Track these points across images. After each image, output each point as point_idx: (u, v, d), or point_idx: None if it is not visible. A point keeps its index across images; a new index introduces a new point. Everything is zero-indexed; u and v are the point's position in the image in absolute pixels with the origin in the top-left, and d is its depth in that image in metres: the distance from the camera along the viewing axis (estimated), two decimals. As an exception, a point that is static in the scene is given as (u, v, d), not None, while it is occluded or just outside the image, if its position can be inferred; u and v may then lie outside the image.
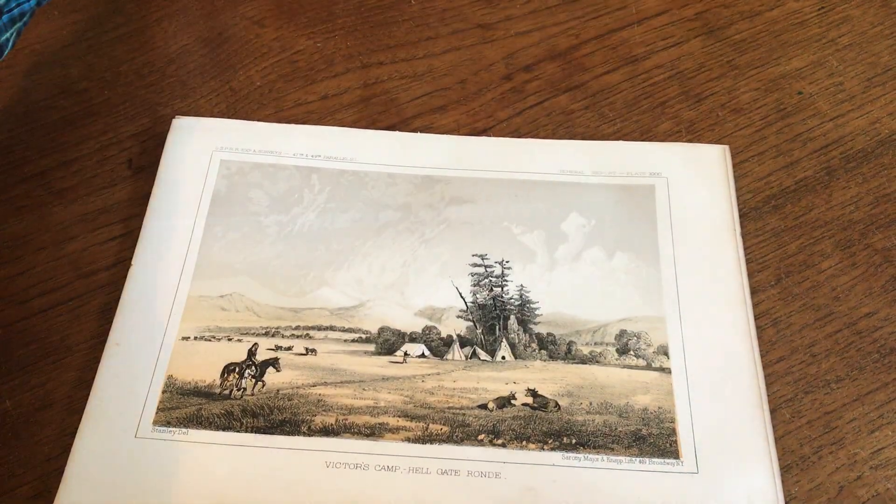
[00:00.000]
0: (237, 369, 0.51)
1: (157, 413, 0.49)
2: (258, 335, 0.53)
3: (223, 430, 0.49)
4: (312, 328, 0.53)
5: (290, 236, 0.56)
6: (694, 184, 0.58)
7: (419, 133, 0.61)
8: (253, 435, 0.48)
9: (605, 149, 0.60)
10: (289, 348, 0.52)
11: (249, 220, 0.57)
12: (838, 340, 0.53)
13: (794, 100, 0.63)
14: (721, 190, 0.58)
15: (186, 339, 0.52)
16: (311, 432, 0.49)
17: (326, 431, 0.49)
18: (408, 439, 0.49)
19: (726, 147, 0.60)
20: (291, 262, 0.55)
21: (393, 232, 0.57)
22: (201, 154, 0.59)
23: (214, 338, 0.52)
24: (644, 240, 0.56)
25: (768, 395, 0.50)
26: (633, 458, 0.48)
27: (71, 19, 0.67)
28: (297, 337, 0.53)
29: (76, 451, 0.48)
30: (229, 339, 0.52)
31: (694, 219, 0.57)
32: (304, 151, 0.60)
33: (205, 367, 0.51)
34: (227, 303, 0.54)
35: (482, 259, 0.56)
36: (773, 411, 0.50)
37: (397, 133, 0.61)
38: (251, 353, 0.52)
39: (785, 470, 0.48)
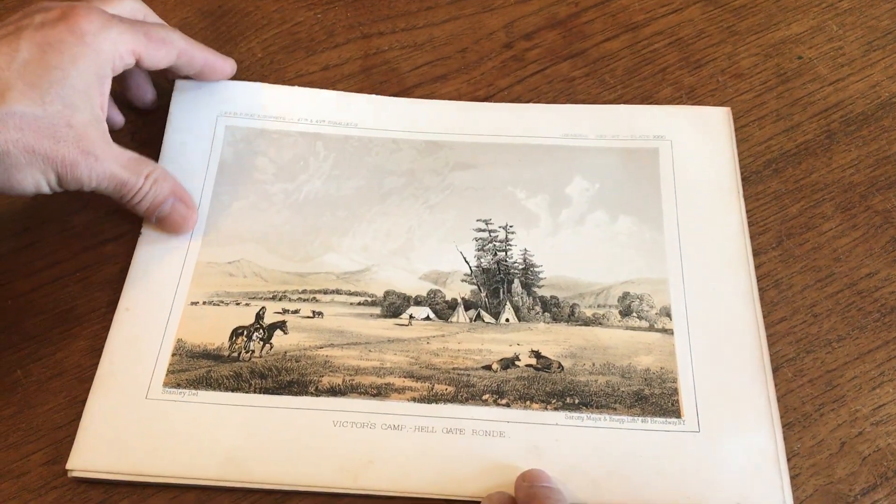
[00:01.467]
0: (245, 332, 0.52)
1: (167, 375, 0.50)
2: (266, 299, 0.53)
3: (232, 391, 0.49)
4: (319, 292, 0.54)
5: (297, 204, 0.57)
6: (697, 146, 0.58)
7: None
8: (261, 395, 0.49)
9: (608, 112, 0.60)
10: (296, 311, 0.53)
11: (256, 188, 0.57)
12: (839, 300, 0.53)
13: (794, 64, 0.63)
14: (724, 152, 0.58)
15: (195, 303, 0.53)
16: (318, 392, 0.49)
17: (334, 392, 0.49)
18: (413, 399, 0.49)
19: (729, 109, 0.60)
20: (298, 229, 0.56)
21: (397, 198, 0.57)
22: (206, 118, 0.59)
23: (223, 302, 0.53)
24: (647, 203, 0.56)
25: (770, 355, 0.51)
26: (636, 418, 0.49)
27: (74, -7, 0.68)
28: (304, 300, 0.53)
29: (88, 412, 0.48)
30: (237, 304, 0.53)
31: (697, 181, 0.57)
32: (309, 116, 0.60)
33: (214, 330, 0.52)
34: (234, 269, 0.54)
35: (486, 224, 0.56)
36: (775, 370, 0.51)
37: (401, 98, 0.61)
38: (259, 316, 0.52)
39: (787, 427, 0.49)
